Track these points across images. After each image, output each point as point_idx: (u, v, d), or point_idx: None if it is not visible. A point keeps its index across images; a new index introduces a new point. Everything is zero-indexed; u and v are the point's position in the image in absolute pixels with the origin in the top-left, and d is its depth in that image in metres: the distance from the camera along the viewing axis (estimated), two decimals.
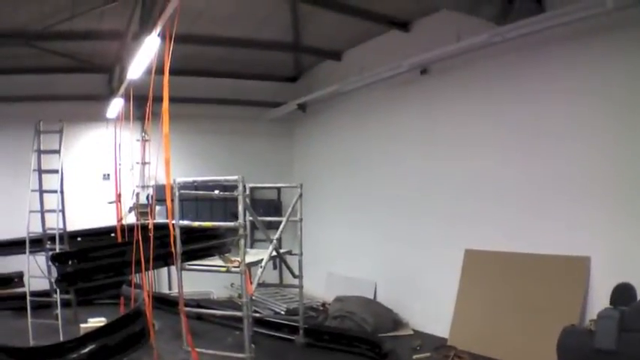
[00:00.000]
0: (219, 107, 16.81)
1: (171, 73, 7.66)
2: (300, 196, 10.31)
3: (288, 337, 10.90)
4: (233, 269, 8.56)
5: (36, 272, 11.85)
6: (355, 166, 14.32)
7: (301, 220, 10.43)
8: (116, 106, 13.90)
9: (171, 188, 8.42)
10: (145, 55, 9.34)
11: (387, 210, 13.10)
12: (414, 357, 9.65)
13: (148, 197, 15.78)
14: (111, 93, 14.68)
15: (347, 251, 14.55)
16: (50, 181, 12.41)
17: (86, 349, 9.21)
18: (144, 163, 16.30)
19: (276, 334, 11.21)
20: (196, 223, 9.02)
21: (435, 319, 11.02)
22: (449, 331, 10.38)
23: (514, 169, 9.78)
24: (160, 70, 8.07)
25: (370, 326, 11.30)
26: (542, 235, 9.12)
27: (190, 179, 9.03)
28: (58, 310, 11.23)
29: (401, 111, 12.68)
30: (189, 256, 9.14)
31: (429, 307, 11.50)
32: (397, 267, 12.62)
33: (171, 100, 7.77)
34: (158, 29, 8.25)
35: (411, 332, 11.69)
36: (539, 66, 9.25)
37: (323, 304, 13.76)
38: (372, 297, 13.05)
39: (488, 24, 9.25)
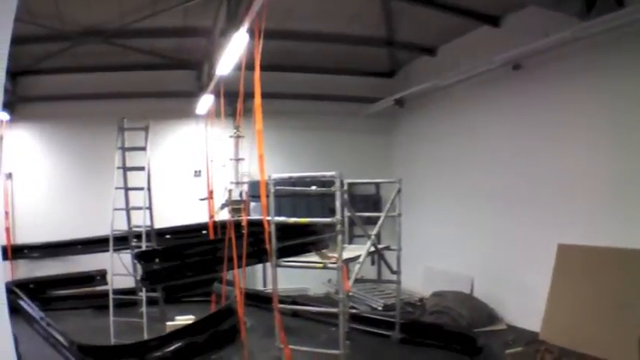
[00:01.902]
0: (314, 103, 17.37)
1: (262, 68, 8.12)
2: (399, 191, 10.77)
3: (384, 332, 11.28)
4: (330, 265, 9.00)
5: (120, 270, 12.53)
6: (452, 161, 14.87)
7: (400, 215, 10.90)
8: (206, 102, 14.59)
9: (266, 184, 8.86)
10: (234, 51, 9.98)
11: (483, 205, 13.61)
12: (507, 351, 10.03)
13: (241, 194, 16.38)
14: (200, 89, 15.43)
15: (445, 246, 15.10)
16: (136, 179, 13.03)
17: (171, 347, 9.92)
18: (237, 160, 17.10)
19: (372, 329, 11.63)
20: (292, 220, 9.36)
21: (529, 314, 11.37)
22: (540, 326, 10.75)
23: (607, 163, 10.13)
24: (250, 66, 8.53)
25: (466, 321, 11.84)
26: (637, 230, 9.40)
27: (287, 175, 9.44)
28: (143, 308, 11.79)
29: (494, 106, 13.17)
30: (284, 252, 9.53)
31: (523, 301, 11.92)
32: (493, 262, 13.13)
33: (264, 96, 8.23)
34: (246, 25, 8.85)
35: (505, 327, 12.23)
36: (626, 59, 9.62)
37: (420, 300, 14.35)
38: (468, 292, 13.56)
39: (574, 20, 9.66)
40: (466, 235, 14.26)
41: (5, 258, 15.17)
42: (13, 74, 15.96)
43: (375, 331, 11.54)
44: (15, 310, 12.03)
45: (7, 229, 16.40)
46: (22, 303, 13.14)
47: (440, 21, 13.14)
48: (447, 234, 15.02)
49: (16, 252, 16.30)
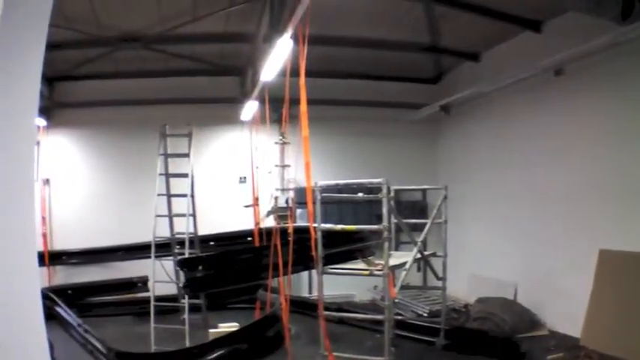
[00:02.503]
0: (359, 109, 17.57)
1: (307, 74, 8.35)
2: (445, 197, 11.02)
3: (429, 339, 11.45)
4: (376, 272, 9.16)
5: (162, 277, 12.68)
6: (496, 167, 15.10)
7: (446, 221, 11.15)
8: (251, 108, 14.80)
9: (312, 191, 9.13)
10: (278, 57, 10.17)
11: (526, 210, 13.83)
12: (548, 357, 10.31)
13: (287, 200, 16.67)
14: (244, 95, 15.67)
15: (489, 252, 15.36)
16: (178, 185, 13.32)
17: (213, 355, 10.25)
18: (283, 166, 17.40)
19: (416, 336, 11.77)
20: (339, 227, 9.57)
21: (570, 319, 11.59)
22: (581, 331, 10.98)
23: None
24: (295, 72, 8.78)
25: (509, 327, 12.07)
26: None
27: (333, 182, 9.56)
28: (186, 315, 11.97)
29: (537, 112, 13.35)
30: (331, 259, 9.71)
31: (565, 306, 12.13)
32: (536, 268, 13.33)
33: (310, 102, 8.44)
34: (290, 31, 9.07)
35: (547, 332, 12.43)
36: None
37: (465, 306, 14.59)
38: (512, 298, 13.77)
39: (615, 25, 9.78)
40: (510, 240, 14.49)
41: (42, 264, 15.48)
42: (49, 80, 16.27)
43: (420, 337, 11.67)
44: (51, 317, 12.47)
45: (44, 235, 16.71)
46: (58, 309, 13.39)
47: (483, 27, 13.35)
48: (491, 240, 15.29)
49: (54, 258, 16.64)
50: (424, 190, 16.97)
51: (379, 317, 9.44)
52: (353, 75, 17.01)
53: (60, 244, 16.98)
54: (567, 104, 12.42)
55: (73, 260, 16.94)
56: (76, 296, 15.40)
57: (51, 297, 13.79)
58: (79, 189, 17.55)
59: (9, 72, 3.08)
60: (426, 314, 13.98)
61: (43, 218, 16.88)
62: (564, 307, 12.18)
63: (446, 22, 13.93)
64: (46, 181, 17.20)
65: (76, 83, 16.82)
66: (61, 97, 16.85)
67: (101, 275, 16.41)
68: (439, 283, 11.42)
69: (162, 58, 15.46)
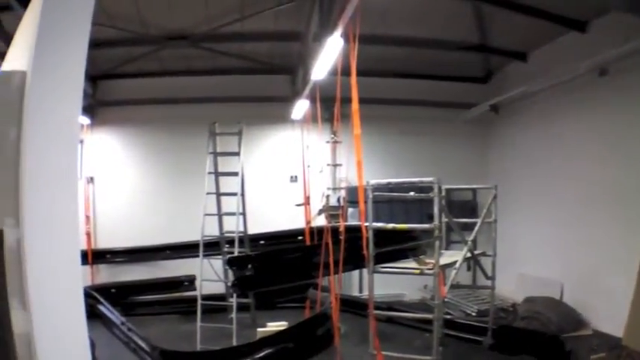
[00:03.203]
0: (408, 108, 17.92)
1: (358, 73, 8.70)
2: (495, 197, 11.30)
3: (477, 338, 11.69)
4: (427, 271, 9.48)
5: (209, 276, 13.16)
6: (544, 167, 15.48)
7: (495, 221, 11.42)
8: (302, 107, 15.18)
9: (364, 190, 9.41)
10: (328, 56, 10.56)
11: (573, 210, 14.19)
12: (592, 357, 10.58)
13: (339, 199, 17.04)
14: (295, 94, 16.11)
15: (536, 251, 15.75)
16: (227, 184, 13.78)
17: (261, 354, 10.38)
18: (334, 165, 17.80)
19: (464, 335, 12.02)
20: (390, 225, 9.81)
21: (615, 319, 11.69)
22: (623, 331, 11.05)
23: None
24: (345, 71, 9.15)
25: (555, 326, 12.47)
26: None
27: (385, 181, 9.83)
28: (234, 314, 12.36)
29: (583, 112, 13.76)
30: (382, 258, 10.01)
31: (609, 306, 12.41)
32: (581, 267, 13.72)
33: (361, 101, 8.79)
34: (340, 30, 9.43)
35: (591, 332, 12.82)
36: None
37: (512, 305, 14.90)
38: (558, 297, 14.15)
39: None
40: (557, 240, 14.86)
41: (85, 263, 16.08)
42: (92, 78, 16.83)
43: (468, 336, 11.91)
44: (94, 315, 12.88)
45: (88, 234, 17.33)
46: (101, 308, 13.60)
47: (530, 26, 13.67)
48: (539, 239, 15.66)
49: (97, 257, 17.22)
50: (474, 190, 17.30)
51: (429, 316, 9.70)
52: (403, 74, 17.32)
53: (103, 242, 17.57)
54: (612, 104, 12.75)
55: (118, 259, 17.50)
56: (119, 295, 15.86)
57: (94, 295, 14.03)
58: (123, 187, 18.08)
59: (52, 70, 3.28)
60: (474, 313, 14.36)
61: (87, 217, 17.43)
62: (608, 307, 12.50)
63: (494, 21, 14.33)
64: (90, 180, 17.73)
65: (120, 81, 17.37)
66: (105, 96, 17.41)
67: (145, 274, 16.95)
68: (488, 283, 11.69)
69: (210, 57, 15.88)
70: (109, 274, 17.51)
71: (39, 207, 3.23)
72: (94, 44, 3.36)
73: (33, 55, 3.24)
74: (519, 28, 14.23)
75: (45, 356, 3.18)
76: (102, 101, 17.48)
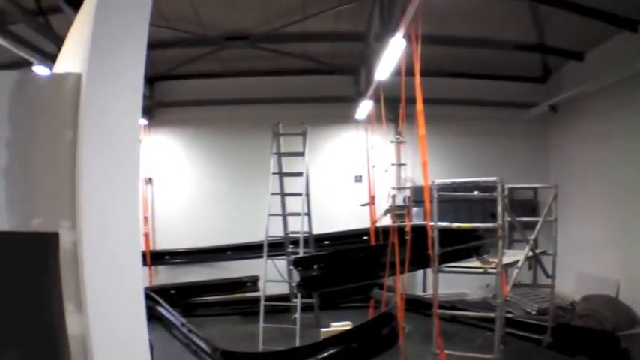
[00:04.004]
0: (468, 108, 18.37)
1: (420, 74, 9.22)
2: (555, 196, 11.68)
3: (536, 336, 11.88)
4: (490, 270, 9.99)
5: (273, 276, 13.60)
6: (602, 166, 15.93)
7: (556, 220, 11.76)
8: (366, 107, 15.73)
9: (430, 190, 9.97)
10: (391, 56, 11.14)
11: (631, 209, 14.63)
12: None
13: (404, 199, 17.42)
14: (358, 94, 16.68)
15: (594, 250, 16.15)
16: (292, 184, 14.33)
17: (325, 354, 10.98)
18: (399, 165, 18.31)
19: (524, 334, 12.29)
20: (455, 225, 10.34)
21: None
22: None
23: None
24: (408, 71, 9.69)
25: (610, 324, 12.98)
26: None
27: (449, 181, 10.34)
28: (297, 314, 12.80)
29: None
30: (446, 257, 10.52)
31: None
32: (637, 265, 14.18)
33: (424, 101, 9.30)
34: (402, 31, 9.99)
35: None
36: None
37: (571, 303, 15.34)
38: (614, 295, 14.60)
39: None
40: (614, 238, 15.27)
41: (144, 264, 16.65)
42: (149, 79, 17.56)
43: (528, 335, 12.16)
44: (153, 317, 13.57)
45: (146, 235, 18.16)
46: (160, 309, 14.25)
47: (585, 26, 13.99)
48: (597, 238, 16.05)
49: (156, 258, 18.07)
50: (535, 189, 17.77)
51: (491, 315, 10.22)
52: (462, 74, 17.77)
53: (162, 243, 18.40)
54: None
55: (177, 260, 18.31)
56: (179, 296, 16.50)
57: (152, 297, 14.56)
58: (182, 188, 18.87)
59: (110, 72, 3.35)
60: (534, 312, 14.80)
61: (145, 218, 18.27)
62: None
63: (550, 21, 14.74)
64: (149, 181, 18.60)
65: (178, 82, 18.19)
66: (162, 97, 18.21)
67: (204, 275, 17.69)
68: (548, 281, 12.03)
69: (271, 57, 16.48)
70: (167, 276, 18.29)
71: (98, 209, 3.32)
72: (151, 45, 3.44)
73: (88, 57, 3.34)
74: (575, 28, 14.60)
75: (102, 358, 3.28)
76: (159, 102, 18.24)
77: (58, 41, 11.15)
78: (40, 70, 12.61)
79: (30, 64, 12.94)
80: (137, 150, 3.43)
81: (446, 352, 9.94)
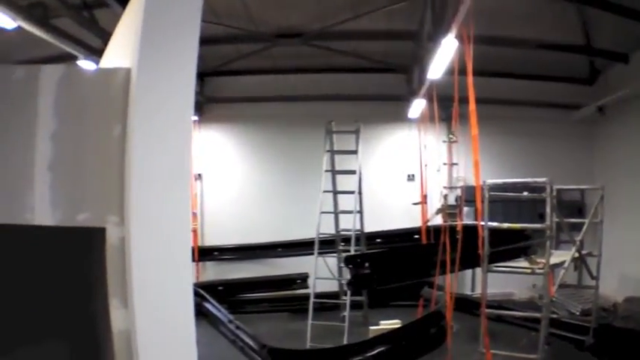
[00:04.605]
0: (516, 108, 18.74)
1: (473, 73, 9.60)
2: (602, 198, 12.00)
3: (579, 337, 11.96)
4: (537, 271, 10.45)
5: (322, 273, 13.94)
6: None
7: (602, 221, 12.07)
8: (419, 106, 16.15)
9: (481, 190, 10.26)
10: (443, 56, 11.56)
11: None
12: None
13: (457, 199, 17.76)
14: (410, 93, 16.92)
15: (638, 251, 16.41)
16: (343, 182, 14.72)
17: (373, 352, 11.19)
18: (451, 164, 18.75)
19: (568, 334, 12.33)
20: (506, 225, 10.76)
21: None
22: None
23: None
24: (460, 71, 10.12)
25: None
26: None
27: (500, 181, 10.78)
28: (346, 312, 13.19)
29: None
30: (495, 257, 10.91)
31: None
32: None
33: (476, 101, 9.61)
34: (454, 31, 10.36)
35: None
36: None
37: (613, 305, 15.65)
38: None
39: None
40: None
41: (192, 260, 17.17)
42: (200, 75, 18.06)
43: (571, 335, 12.26)
44: (199, 313, 13.44)
45: (195, 231, 18.65)
46: (207, 305, 14.30)
47: (630, 28, 14.27)
48: None
49: (204, 254, 18.56)
50: (583, 190, 17.79)
51: (537, 315, 10.61)
52: (511, 74, 18.34)
53: (210, 239, 18.99)
54: None
55: (225, 256, 18.85)
56: (226, 292, 16.89)
57: (200, 293, 14.53)
58: (232, 184, 19.49)
59: (161, 67, 3.42)
60: (578, 312, 15.03)
61: (194, 214, 18.72)
62: None
63: (596, 23, 15.11)
64: (198, 176, 19.17)
65: (228, 79, 18.82)
66: (212, 92, 18.83)
67: (252, 272, 18.18)
68: (593, 282, 12.33)
69: (322, 54, 16.88)
70: (215, 272, 18.89)
71: (148, 205, 3.37)
72: (201, 41, 3.52)
73: (139, 52, 3.39)
74: (620, 30, 14.83)
75: (147, 354, 3.35)
76: (210, 98, 18.84)
77: (105, 36, 11.88)
78: (85, 64, 13.09)
79: (72, 58, 13.46)
80: (189, 145, 3.53)
81: (491, 351, 10.31)
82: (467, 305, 13.95)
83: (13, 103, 3.54)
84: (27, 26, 11.38)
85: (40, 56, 14.57)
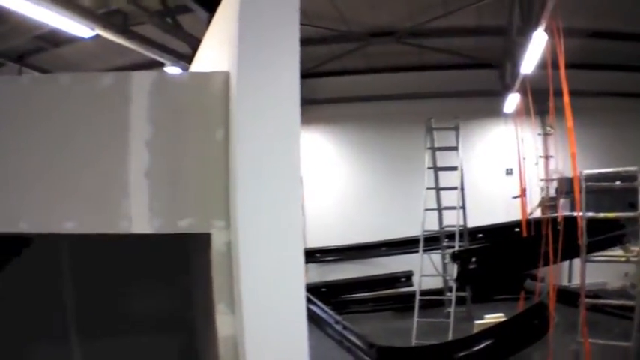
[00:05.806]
0: (598, 99, 19.26)
1: (565, 66, 10.13)
2: None
3: None
4: (632, 259, 11.15)
5: (426, 270, 14.61)
6: None
7: None
8: (513, 101, 16.85)
9: (578, 181, 10.89)
10: (535, 50, 12.22)
11: None
12: None
13: (556, 191, 18.23)
14: (504, 88, 17.72)
15: None
16: (443, 178, 15.34)
17: (479, 346, 11.85)
18: (546, 157, 18.90)
19: None
20: (602, 215, 11.32)
21: None
22: None
23: None
24: (552, 64, 10.70)
25: None
26: None
27: (596, 171, 11.39)
28: (452, 308, 13.93)
29: None
30: (593, 247, 11.53)
31: None
32: None
33: (571, 93, 10.17)
34: (543, 24, 10.92)
35: None
36: None
37: None
38: None
39: None
40: None
41: None
42: None
43: None
44: None
45: None
46: (312, 307, 14.55)
47: None
48: None
49: (307, 256, 18.23)
50: None
51: (630, 303, 11.24)
52: (603, 66, 18.89)
53: (312, 241, 19.23)
54: None
55: (329, 257, 19.71)
56: (330, 293, 17.54)
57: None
58: (332, 185, 20.46)
59: (263, 69, 3.38)
60: None
61: None
62: None
63: None
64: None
65: (324, 79, 19.69)
66: (309, 94, 19.38)
67: (354, 272, 18.98)
68: None
69: (414, 52, 17.76)
70: (317, 274, 19.63)
71: (258, 209, 3.33)
72: None
73: (237, 56, 3.38)
74: None
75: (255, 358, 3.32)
76: (306, 99, 18.65)
77: (192, 41, 12.79)
78: (173, 70, 13.86)
79: (157, 64, 14.29)
80: (298, 147, 3.44)
81: (589, 340, 10.97)
82: (565, 296, 14.24)
83: (103, 112, 3.62)
84: (106, 34, 12.20)
85: (122, 64, 15.63)
